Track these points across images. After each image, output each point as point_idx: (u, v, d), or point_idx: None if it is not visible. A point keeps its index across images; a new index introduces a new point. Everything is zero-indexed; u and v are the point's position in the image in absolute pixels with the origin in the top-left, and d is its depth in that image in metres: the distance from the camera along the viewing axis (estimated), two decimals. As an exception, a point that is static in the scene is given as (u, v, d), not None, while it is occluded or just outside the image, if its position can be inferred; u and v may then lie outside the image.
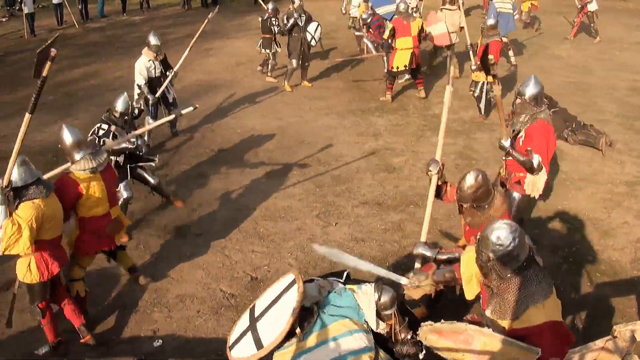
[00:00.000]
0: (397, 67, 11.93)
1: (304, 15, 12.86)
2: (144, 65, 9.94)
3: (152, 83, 10.05)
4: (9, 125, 10.30)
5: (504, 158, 6.40)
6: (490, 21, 10.81)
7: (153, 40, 9.94)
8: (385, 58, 12.64)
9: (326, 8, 21.04)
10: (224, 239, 7.55)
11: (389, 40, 12.00)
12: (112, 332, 6.03)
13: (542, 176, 6.10)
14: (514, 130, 6.30)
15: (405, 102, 12.08)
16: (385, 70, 12.34)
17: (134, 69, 10.09)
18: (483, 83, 10.85)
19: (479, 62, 10.73)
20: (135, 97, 9.70)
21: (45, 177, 5.52)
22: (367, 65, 14.62)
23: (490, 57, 10.13)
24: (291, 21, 12.68)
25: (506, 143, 6.03)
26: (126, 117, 7.58)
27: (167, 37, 18.31)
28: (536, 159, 5.93)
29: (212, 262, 7.07)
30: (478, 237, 3.84)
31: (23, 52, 18.13)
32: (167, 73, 10.19)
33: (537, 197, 6.33)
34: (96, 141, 7.05)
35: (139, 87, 9.94)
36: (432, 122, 10.96)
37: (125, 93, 7.74)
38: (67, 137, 5.66)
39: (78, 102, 12.69)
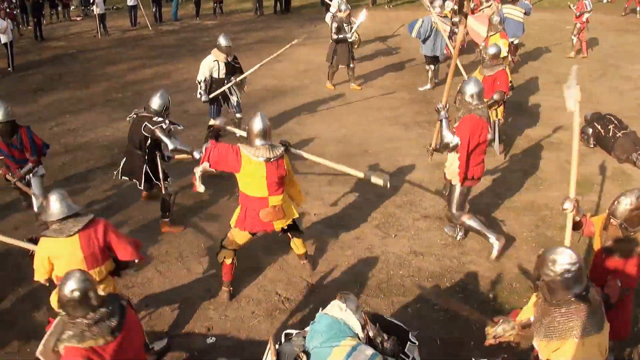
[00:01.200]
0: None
1: (349, 24, 13.47)
2: (207, 65, 10.15)
3: (216, 83, 10.22)
4: (78, 119, 10.63)
5: None
6: (492, 50, 9.43)
7: (224, 41, 10.10)
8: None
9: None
10: (284, 243, 7.53)
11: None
12: (168, 327, 6.12)
13: (456, 162, 6.81)
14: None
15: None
16: None
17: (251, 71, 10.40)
18: (495, 122, 9.52)
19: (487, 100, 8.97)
20: (198, 94, 10.12)
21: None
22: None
23: (499, 94, 9.28)
24: (334, 26, 13.37)
25: (443, 110, 6.90)
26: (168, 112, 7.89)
27: (237, 42, 18.59)
28: (453, 139, 6.68)
29: (270, 265, 7.08)
30: (539, 253, 3.78)
31: (95, 51, 18.74)
32: (232, 78, 10.27)
33: (454, 183, 7.03)
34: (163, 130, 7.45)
35: (198, 83, 10.19)
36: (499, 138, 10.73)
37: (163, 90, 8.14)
38: (258, 124, 5.95)
39: (147, 101, 12.91)
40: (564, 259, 3.59)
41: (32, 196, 7.80)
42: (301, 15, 24.30)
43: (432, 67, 13.69)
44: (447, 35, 12.03)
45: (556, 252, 3.66)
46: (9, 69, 16.21)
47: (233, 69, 10.38)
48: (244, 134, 6.53)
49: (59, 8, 26.77)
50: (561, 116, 11.76)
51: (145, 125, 7.48)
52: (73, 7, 27.77)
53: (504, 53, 10.98)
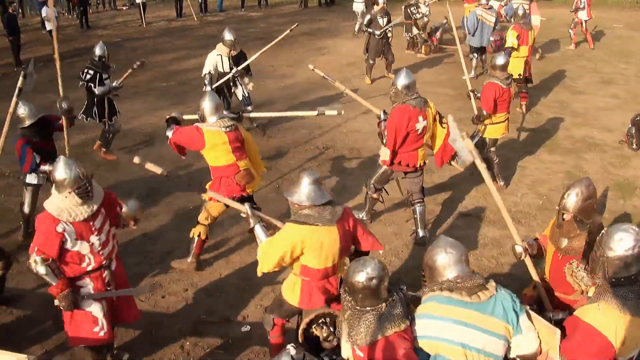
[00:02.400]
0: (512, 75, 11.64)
1: (385, 16, 13.68)
2: (212, 59, 10.42)
3: (222, 77, 10.44)
4: (122, 106, 10.70)
5: None
6: (500, 60, 8.58)
7: (227, 35, 10.32)
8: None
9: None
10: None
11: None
12: (205, 313, 6.18)
13: (385, 149, 7.14)
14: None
15: (517, 114, 11.71)
16: None
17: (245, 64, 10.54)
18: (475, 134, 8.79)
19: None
20: (204, 88, 10.36)
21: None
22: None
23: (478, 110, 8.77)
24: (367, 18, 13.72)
25: (382, 114, 7.36)
26: (103, 60, 9.47)
27: (281, 34, 18.65)
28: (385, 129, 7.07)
29: (307, 257, 7.08)
30: (603, 232, 3.70)
31: (140, 40, 18.99)
32: (233, 71, 10.42)
33: (383, 165, 7.37)
34: (83, 85, 9.39)
35: (203, 77, 10.52)
36: (541, 138, 10.58)
37: (101, 42, 9.86)
38: (208, 103, 6.31)
39: (191, 91, 13.10)
40: (631, 237, 3.51)
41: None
42: (346, 7, 24.18)
43: (476, 55, 13.67)
44: (492, 26, 12.26)
45: (620, 229, 3.59)
46: (55, 55, 16.47)
47: (237, 63, 10.52)
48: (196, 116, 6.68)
49: (105, -3, 27.23)
50: (605, 117, 11.59)
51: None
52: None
53: (510, 43, 11.43)
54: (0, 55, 16.44)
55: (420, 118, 6.89)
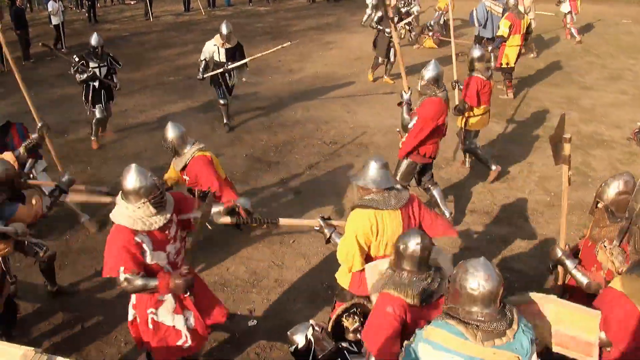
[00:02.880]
0: (507, 64, 12.02)
1: (397, 14, 13.50)
2: (208, 48, 10.67)
3: (217, 66, 10.62)
4: (130, 101, 10.81)
5: None
6: (477, 52, 8.66)
7: (223, 29, 10.49)
8: (493, 55, 12.42)
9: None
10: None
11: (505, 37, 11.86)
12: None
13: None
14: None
15: (524, 110, 11.67)
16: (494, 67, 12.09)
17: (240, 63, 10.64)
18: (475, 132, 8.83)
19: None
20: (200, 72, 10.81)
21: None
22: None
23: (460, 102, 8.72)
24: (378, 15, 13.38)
25: (406, 95, 7.20)
26: (97, 50, 9.66)
27: (289, 28, 18.72)
28: (412, 121, 7.01)
29: (314, 252, 7.11)
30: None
31: (148, 34, 19.00)
32: (229, 63, 10.54)
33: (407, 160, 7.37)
34: (73, 70, 9.64)
35: (199, 62, 10.86)
36: (550, 133, 10.49)
37: (96, 33, 9.90)
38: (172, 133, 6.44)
39: (198, 85, 13.08)
40: None
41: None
42: (354, 2, 24.15)
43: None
44: (501, 16, 12.68)
45: None
46: (63, 49, 16.52)
47: (233, 54, 10.64)
48: None
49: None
50: (613, 113, 11.53)
51: None
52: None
53: (500, 32, 11.73)
54: (9, 49, 16.48)
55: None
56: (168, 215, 4.33)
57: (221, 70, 10.52)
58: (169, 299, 4.50)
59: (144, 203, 4.15)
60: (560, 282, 4.93)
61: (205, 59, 10.70)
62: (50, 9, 16.60)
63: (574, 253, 4.81)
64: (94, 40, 9.71)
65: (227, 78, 10.72)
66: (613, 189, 4.47)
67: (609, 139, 10.37)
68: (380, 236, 4.49)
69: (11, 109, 11.57)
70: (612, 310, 3.68)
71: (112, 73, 9.99)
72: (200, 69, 10.75)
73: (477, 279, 3.18)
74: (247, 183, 8.79)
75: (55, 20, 16.64)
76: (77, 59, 9.65)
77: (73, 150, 9.83)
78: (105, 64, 9.83)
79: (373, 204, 4.48)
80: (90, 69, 9.63)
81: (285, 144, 10.21)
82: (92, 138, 10.10)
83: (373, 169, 4.57)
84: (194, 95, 12.63)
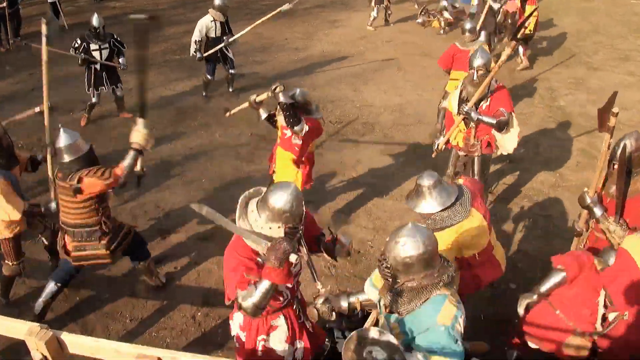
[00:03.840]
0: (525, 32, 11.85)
1: None
2: (204, 24, 10.51)
3: (211, 42, 10.63)
4: (136, 79, 10.66)
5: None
6: (467, 25, 8.55)
7: (218, 0, 10.43)
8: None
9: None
10: (332, 210, 7.60)
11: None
12: (216, 284, 6.27)
13: (515, 131, 6.76)
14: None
15: (530, 90, 11.60)
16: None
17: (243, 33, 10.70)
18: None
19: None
20: (192, 52, 10.70)
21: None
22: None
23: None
24: None
25: (474, 113, 6.49)
26: (98, 31, 9.46)
27: (294, 7, 18.50)
28: (507, 114, 6.51)
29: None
30: None
31: (154, 12, 18.71)
32: (224, 37, 10.64)
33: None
34: (73, 51, 9.41)
35: (194, 42, 10.58)
36: (557, 114, 10.49)
37: (97, 14, 9.65)
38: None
39: (204, 64, 13.05)
40: None
41: None
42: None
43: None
44: None
45: None
46: (65, 27, 16.38)
47: (227, 28, 10.77)
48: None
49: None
50: (622, 95, 11.40)
51: None
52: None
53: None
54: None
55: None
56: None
57: (222, 45, 10.60)
58: (282, 325, 4.10)
59: (279, 227, 3.65)
60: (582, 224, 5.29)
61: (201, 38, 10.57)
62: None
63: None
64: (94, 20, 9.51)
65: (226, 51, 10.86)
66: (625, 148, 4.69)
67: (617, 121, 10.28)
68: (473, 241, 4.46)
69: (15, 88, 11.64)
70: (614, 265, 4.05)
71: (118, 54, 9.78)
72: (196, 49, 10.60)
73: (408, 247, 3.26)
74: (252, 162, 8.80)
75: None
76: (79, 41, 9.47)
77: (79, 129, 9.82)
78: (107, 45, 9.63)
79: (446, 222, 4.38)
80: (80, 54, 9.40)
81: (290, 122, 10.17)
82: (84, 115, 10.12)
83: (429, 191, 4.40)
84: (200, 73, 12.55)
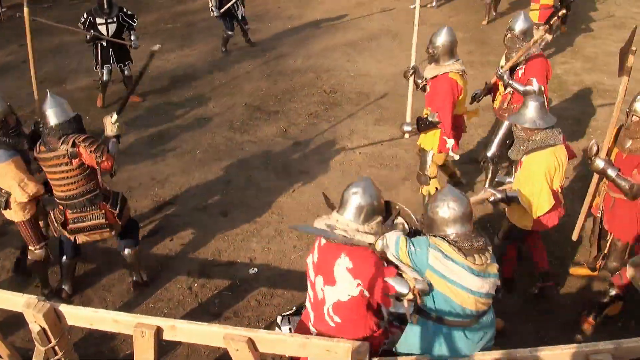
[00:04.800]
0: None
1: None
2: None
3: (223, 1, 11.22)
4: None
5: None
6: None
7: None
8: None
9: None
10: (326, 178, 7.62)
11: None
12: (212, 255, 6.29)
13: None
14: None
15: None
16: None
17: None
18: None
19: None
20: (210, 13, 11.32)
21: None
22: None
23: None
24: None
25: (506, 76, 6.53)
26: (102, 3, 8.90)
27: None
28: (536, 86, 6.34)
29: (313, 201, 7.13)
30: None
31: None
32: None
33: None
34: (81, 26, 8.99)
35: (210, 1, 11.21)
36: (553, 82, 10.30)
37: None
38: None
39: (197, 33, 12.95)
40: None
41: None
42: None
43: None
44: None
45: None
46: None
47: None
48: None
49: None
50: (616, 62, 11.27)
51: None
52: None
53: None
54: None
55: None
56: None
57: (230, 4, 11.08)
58: None
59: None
60: (593, 187, 5.16)
61: None
62: None
63: None
64: None
65: (236, 9, 11.33)
66: None
67: (611, 89, 10.23)
68: (560, 171, 4.78)
69: (8, 59, 11.53)
70: None
71: (129, 30, 9.30)
72: (213, 6, 11.06)
73: (444, 204, 3.62)
74: (246, 132, 8.78)
75: None
76: (85, 15, 8.98)
77: (71, 100, 9.63)
78: (114, 20, 9.07)
79: (546, 141, 4.73)
80: (86, 30, 9.01)
81: (284, 92, 10.13)
82: (99, 94, 9.67)
83: (537, 108, 4.77)
84: (193, 42, 12.48)
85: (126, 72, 9.51)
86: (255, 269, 6.07)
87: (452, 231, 3.60)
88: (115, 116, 5.23)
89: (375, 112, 9.39)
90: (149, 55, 5.23)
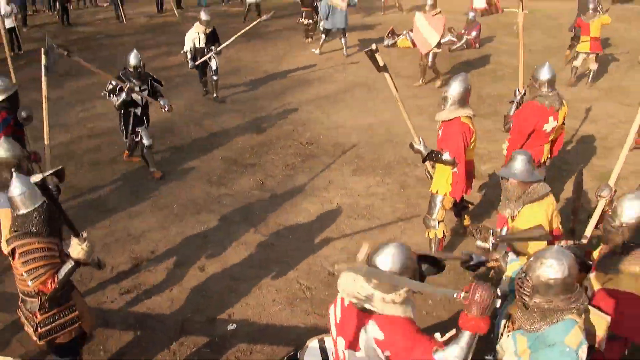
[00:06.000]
0: None
1: None
2: (191, 36, 11.77)
3: (198, 52, 11.86)
4: (105, 104, 10.50)
5: None
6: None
7: (204, 16, 11.73)
8: None
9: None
10: (305, 232, 7.59)
11: None
12: (190, 312, 6.17)
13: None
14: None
15: (499, 107, 11.72)
16: None
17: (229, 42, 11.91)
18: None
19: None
20: (188, 63, 11.94)
21: None
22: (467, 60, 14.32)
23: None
24: None
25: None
26: (139, 70, 8.62)
27: (264, 29, 18.61)
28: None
29: (292, 254, 7.10)
30: (615, 204, 4.17)
31: (122, 37, 18.80)
32: (212, 47, 11.84)
33: None
34: (106, 96, 8.58)
35: (184, 53, 11.90)
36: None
37: (136, 50, 8.85)
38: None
39: (173, 88, 13.03)
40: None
41: None
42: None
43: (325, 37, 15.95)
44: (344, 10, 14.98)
45: (633, 197, 4.07)
46: (20, 52, 16.21)
47: (212, 39, 11.96)
48: None
49: (86, -6, 26.97)
50: (591, 108, 11.64)
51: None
52: (100, -7, 27.79)
53: None
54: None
55: (551, 119, 6.66)
56: None
57: (210, 54, 11.73)
58: None
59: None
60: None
61: (190, 49, 11.73)
62: (2, 12, 15.65)
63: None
64: (133, 58, 8.59)
65: (209, 61, 11.89)
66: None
67: (584, 134, 10.46)
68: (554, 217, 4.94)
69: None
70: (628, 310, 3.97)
71: (155, 94, 8.94)
72: (189, 59, 11.79)
73: (553, 269, 3.29)
74: (224, 185, 8.77)
75: (8, 23, 15.57)
76: (113, 82, 8.46)
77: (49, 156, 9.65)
78: (147, 86, 8.76)
79: (543, 191, 4.85)
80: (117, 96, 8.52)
81: (261, 145, 10.18)
82: (152, 170, 9.02)
83: (523, 162, 4.84)
84: (170, 97, 12.50)
85: (145, 141, 8.92)
86: (234, 325, 5.97)
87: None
88: (85, 238, 4.38)
89: (352, 162, 9.46)
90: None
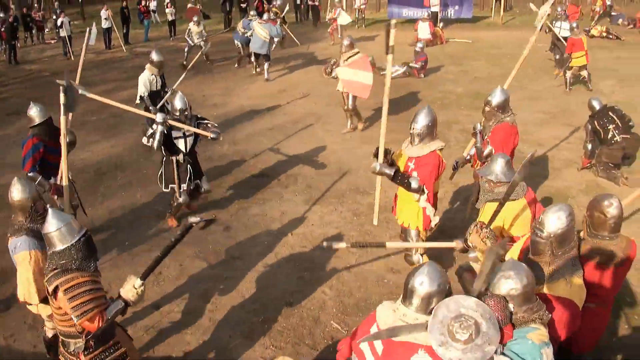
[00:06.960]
0: None
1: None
2: (147, 79, 10.83)
3: (153, 95, 10.86)
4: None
5: None
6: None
7: (156, 57, 10.91)
8: None
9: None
10: (260, 264, 7.53)
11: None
12: (144, 352, 6.02)
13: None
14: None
15: (446, 133, 11.92)
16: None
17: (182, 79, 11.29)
18: None
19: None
20: (147, 108, 10.60)
21: None
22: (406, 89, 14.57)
23: None
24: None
25: (479, 126, 7.40)
26: (186, 113, 7.99)
27: (227, 67, 18.60)
28: (486, 150, 7.17)
29: (247, 286, 7.04)
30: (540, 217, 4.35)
31: (70, 73, 18.51)
32: (166, 89, 11.04)
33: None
34: (147, 140, 8.30)
35: (141, 98, 10.78)
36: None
37: (180, 92, 8.32)
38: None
39: (123, 124, 12.94)
40: (564, 214, 4.24)
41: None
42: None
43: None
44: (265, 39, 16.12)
45: (555, 210, 4.28)
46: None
47: (164, 80, 11.22)
48: None
49: (34, 31, 26.68)
50: (537, 131, 11.93)
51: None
52: (47, 30, 27.52)
53: None
54: None
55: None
56: None
57: (168, 95, 10.71)
58: None
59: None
60: None
61: (146, 93, 10.77)
62: None
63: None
64: (179, 102, 7.98)
65: (166, 103, 10.91)
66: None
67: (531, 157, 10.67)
68: (521, 222, 5.19)
69: None
70: (562, 317, 4.03)
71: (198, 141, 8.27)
72: (148, 104, 10.64)
73: (510, 281, 3.52)
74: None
75: None
76: (154, 126, 7.86)
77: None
78: (193, 133, 8.08)
79: (513, 196, 5.02)
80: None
81: (213, 178, 10.11)
82: (168, 215, 8.57)
83: (502, 164, 5.25)
84: (118, 133, 12.45)
85: (205, 186, 8.46)
86: (189, 364, 5.88)
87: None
88: (139, 281, 4.39)
89: (305, 192, 9.48)
90: (186, 227, 4.53)
